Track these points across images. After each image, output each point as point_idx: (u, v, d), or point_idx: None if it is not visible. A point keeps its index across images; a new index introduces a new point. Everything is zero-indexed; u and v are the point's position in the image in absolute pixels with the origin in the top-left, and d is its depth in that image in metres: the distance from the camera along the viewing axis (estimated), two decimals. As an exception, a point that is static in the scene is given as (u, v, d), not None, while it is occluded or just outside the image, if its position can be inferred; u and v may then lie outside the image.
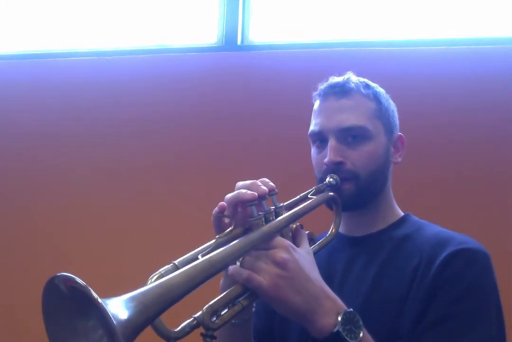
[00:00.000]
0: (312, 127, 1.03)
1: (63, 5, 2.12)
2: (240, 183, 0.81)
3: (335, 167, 0.97)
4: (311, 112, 1.05)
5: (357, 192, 0.98)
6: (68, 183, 1.86)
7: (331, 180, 0.96)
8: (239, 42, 1.91)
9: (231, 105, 1.79)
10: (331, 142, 0.98)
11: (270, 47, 1.87)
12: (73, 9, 2.11)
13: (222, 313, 0.71)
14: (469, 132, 1.61)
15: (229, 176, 1.74)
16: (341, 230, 1.05)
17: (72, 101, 1.91)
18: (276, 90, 1.76)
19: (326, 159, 0.98)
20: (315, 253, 0.87)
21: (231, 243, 0.72)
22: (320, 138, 1.02)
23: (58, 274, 0.54)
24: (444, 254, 0.87)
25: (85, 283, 0.51)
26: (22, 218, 1.88)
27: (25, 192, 1.89)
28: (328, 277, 0.90)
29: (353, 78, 1.03)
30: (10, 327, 1.79)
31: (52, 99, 1.93)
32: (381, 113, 1.02)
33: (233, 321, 0.76)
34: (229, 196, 0.79)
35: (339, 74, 1.05)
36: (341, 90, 1.01)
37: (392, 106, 1.06)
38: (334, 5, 1.89)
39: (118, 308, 0.53)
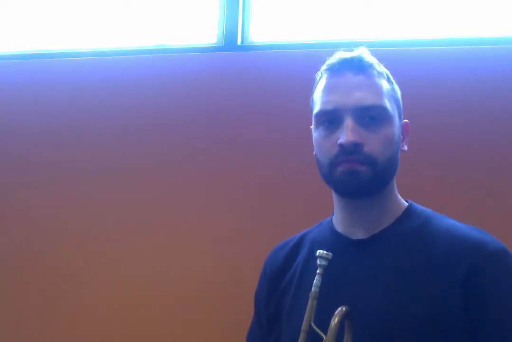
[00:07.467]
0: (321, 105, 0.91)
1: (63, 5, 2.12)
2: None
3: (352, 148, 0.86)
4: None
5: (373, 177, 0.87)
6: (68, 183, 1.86)
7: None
8: (239, 42, 1.90)
9: (230, 105, 1.79)
10: (348, 122, 0.86)
11: (270, 47, 1.86)
12: (73, 9, 2.11)
13: None
14: (468, 132, 1.60)
15: (230, 176, 1.75)
16: (341, 230, 0.96)
17: (72, 101, 1.91)
18: (276, 90, 1.76)
19: (341, 140, 0.86)
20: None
21: None
22: (331, 119, 0.90)
23: None
24: (465, 267, 0.82)
25: None
26: (22, 218, 1.87)
27: (25, 193, 1.89)
28: (336, 286, 0.86)
29: (367, 54, 0.94)
30: (11, 328, 1.79)
31: (52, 99, 1.93)
32: (394, 94, 0.95)
33: None
34: None
35: (349, 50, 0.94)
36: (359, 66, 0.91)
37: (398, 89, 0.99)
38: (334, 5, 1.89)
39: None
